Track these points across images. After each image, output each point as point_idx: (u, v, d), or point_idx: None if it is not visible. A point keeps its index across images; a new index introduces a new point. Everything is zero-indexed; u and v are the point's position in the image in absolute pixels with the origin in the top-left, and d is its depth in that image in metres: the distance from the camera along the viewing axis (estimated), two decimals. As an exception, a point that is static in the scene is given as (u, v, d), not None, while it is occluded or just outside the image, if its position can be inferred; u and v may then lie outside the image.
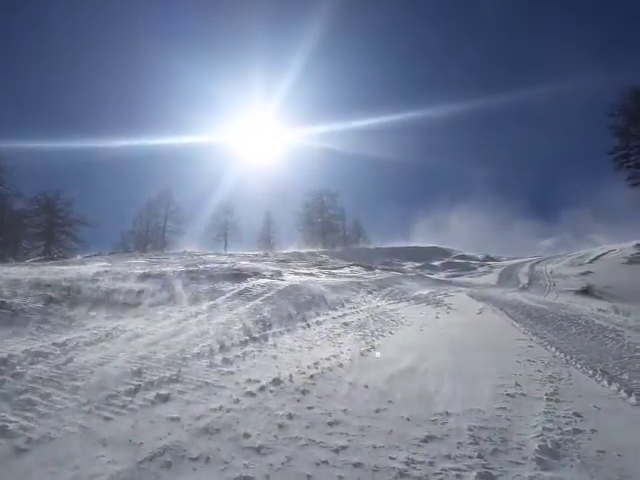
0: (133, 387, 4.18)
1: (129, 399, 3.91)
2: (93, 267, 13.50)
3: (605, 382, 5.20)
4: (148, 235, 49.00)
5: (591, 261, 24.99)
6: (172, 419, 3.54)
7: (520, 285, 22.09)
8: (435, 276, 28.30)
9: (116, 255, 23.12)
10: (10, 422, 3.29)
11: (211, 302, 8.91)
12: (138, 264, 14.83)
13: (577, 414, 4.08)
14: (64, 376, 4.40)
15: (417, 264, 39.11)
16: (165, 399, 3.96)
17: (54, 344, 5.44)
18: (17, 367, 4.47)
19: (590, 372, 5.66)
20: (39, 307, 7.20)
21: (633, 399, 4.56)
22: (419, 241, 52.26)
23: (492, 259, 45.13)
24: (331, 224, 58.17)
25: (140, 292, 9.13)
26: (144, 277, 10.75)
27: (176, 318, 7.46)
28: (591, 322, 10.61)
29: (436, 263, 40.78)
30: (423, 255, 44.38)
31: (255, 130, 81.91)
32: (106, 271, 11.36)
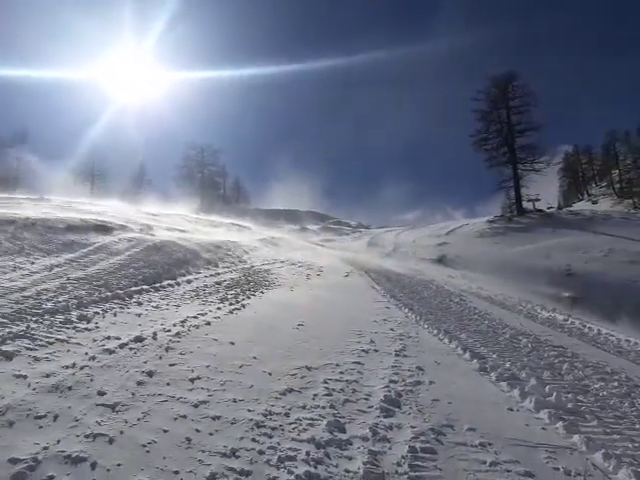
0: (-30, 344, 3.78)
1: (-35, 357, 3.54)
2: None
3: (446, 340, 5.97)
4: (-1, 174, 42.95)
5: (448, 233, 27.62)
6: (17, 376, 3.30)
7: (385, 252, 23.79)
8: (311, 239, 29.24)
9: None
10: None
11: (70, 255, 8.21)
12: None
13: (420, 368, 4.67)
14: None
15: (295, 227, 40.01)
16: (10, 356, 3.65)
17: None
18: None
19: (435, 331, 6.45)
20: None
21: (467, 355, 5.32)
22: (298, 205, 53.27)
23: (363, 227, 47.85)
24: (211, 181, 56.46)
25: (-17, 240, 8.07)
26: (-11, 223, 9.48)
27: (28, 271, 6.77)
28: (441, 287, 11.96)
29: (313, 227, 42.12)
30: (301, 218, 45.50)
31: (131, 70, 75.20)
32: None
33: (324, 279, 11.42)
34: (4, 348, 3.78)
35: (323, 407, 3.50)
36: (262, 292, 8.30)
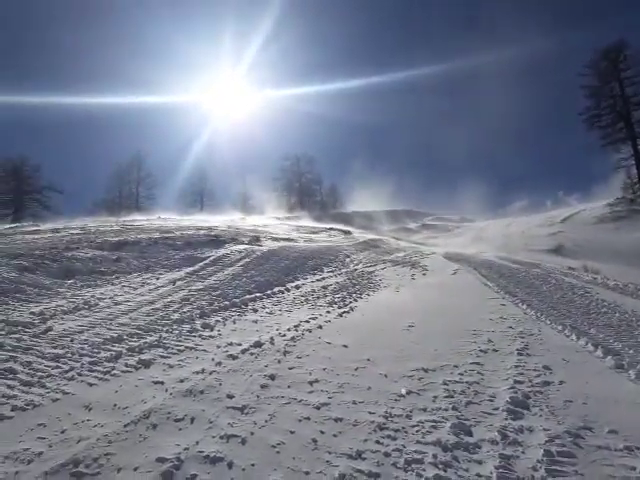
0: (114, 353, 4.22)
1: (111, 365, 3.95)
2: (66, 235, 13.22)
3: (574, 336, 5.47)
4: (121, 201, 48.22)
5: (562, 221, 25.60)
6: (155, 382, 3.61)
7: (493, 245, 22.59)
8: (412, 238, 28.72)
9: (88, 222, 22.61)
10: (-7, 391, 3.31)
11: (190, 268, 8.89)
12: (112, 231, 14.58)
13: (546, 367, 4.31)
14: (44, 344, 4.40)
15: (393, 227, 39.57)
16: (147, 364, 4.02)
17: (31, 313, 5.40)
18: (-5, 337, 4.44)
19: (559, 327, 5.94)
20: (12, 277, 7.08)
21: (600, 352, 4.83)
22: (394, 205, 52.53)
23: (467, 220, 45.86)
24: (308, 188, 58.02)
25: (116, 260, 9.04)
26: (119, 244, 10.61)
27: (154, 285, 7.45)
28: (561, 280, 11.02)
29: (412, 226, 41.31)
30: (399, 218, 44.86)
31: (227, 92, 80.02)
32: (80, 239, 11.16)
33: (430, 278, 11.11)
34: (142, 357, 4.17)
35: (445, 409, 3.37)
36: (368, 294, 8.28)
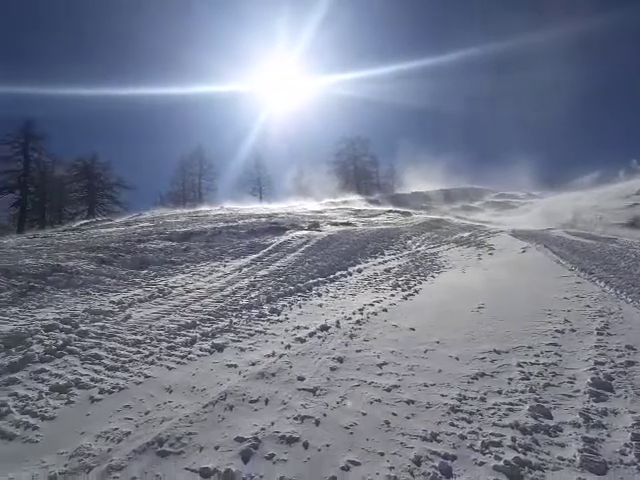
0: (189, 338, 4.40)
1: (187, 349, 4.13)
2: (138, 228, 13.95)
3: (658, 314, 5.08)
4: (185, 194, 50.13)
5: (638, 192, 23.71)
6: (229, 366, 3.73)
7: (564, 221, 21.38)
8: (475, 217, 27.76)
9: (156, 215, 23.72)
10: (82, 375, 3.55)
11: (254, 255, 9.11)
12: (179, 223, 15.20)
13: (630, 347, 4.02)
14: (125, 331, 4.67)
15: (455, 206, 38.41)
16: (221, 348, 4.16)
17: (111, 302, 5.74)
18: (81, 325, 4.76)
19: (642, 305, 5.53)
20: (92, 269, 7.56)
21: (689, 331, 4.45)
22: (454, 183, 50.79)
23: (533, 196, 43.64)
24: (364, 171, 57.47)
25: (185, 250, 9.41)
26: (187, 235, 11.05)
27: (222, 272, 7.69)
28: (641, 255, 10.24)
29: (475, 204, 39.88)
30: (461, 196, 43.45)
31: (281, 80, 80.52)
32: (151, 231, 11.72)
33: (497, 258, 10.68)
34: (215, 341, 4.32)
35: (522, 392, 3.23)
36: (433, 276, 8.09)
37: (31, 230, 25.29)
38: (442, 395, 3.18)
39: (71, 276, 6.99)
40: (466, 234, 14.75)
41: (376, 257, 10.02)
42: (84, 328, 4.64)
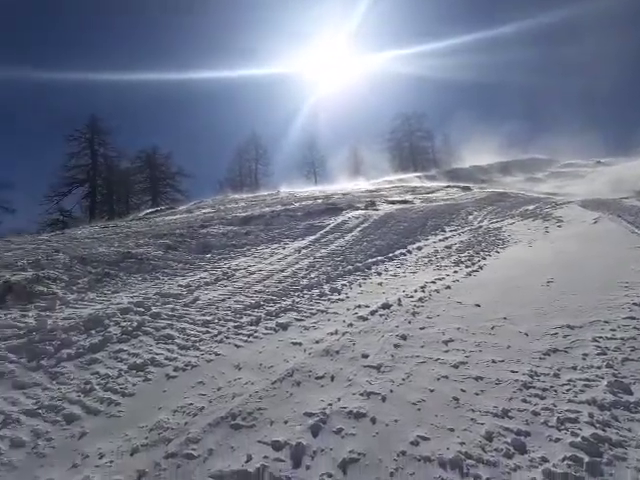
0: (255, 318, 4.52)
1: (253, 328, 4.25)
2: (200, 214, 14.44)
3: None
4: (242, 179, 51.32)
5: None
6: (294, 344, 3.81)
7: (638, 188, 19.84)
8: (539, 188, 26.39)
9: (216, 201, 24.43)
10: (157, 354, 3.75)
11: (312, 237, 9.18)
12: (239, 208, 15.58)
13: None
14: (194, 312, 4.87)
15: (517, 178, 36.70)
16: (285, 327, 4.25)
17: (179, 286, 6.00)
18: (153, 308, 5.02)
19: None
20: (159, 254, 7.91)
21: None
22: (515, 155, 48.29)
23: (602, 164, 40.78)
24: (420, 147, 56.19)
25: (246, 233, 9.64)
26: (247, 219, 11.30)
27: (282, 254, 7.82)
28: None
29: (538, 175, 37.91)
30: (522, 168, 41.38)
31: (332, 59, 79.60)
32: (212, 217, 12.09)
33: (566, 230, 10.13)
34: (279, 320, 4.42)
35: (598, 367, 3.07)
36: (497, 252, 7.80)
37: (101, 220, 26.86)
38: (512, 371, 3.09)
39: (141, 262, 7.36)
40: (531, 207, 14.07)
41: (436, 234, 9.80)
42: (156, 310, 4.89)
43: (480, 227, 10.64)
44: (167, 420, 2.66)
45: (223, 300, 5.31)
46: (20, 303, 5.38)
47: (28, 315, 4.93)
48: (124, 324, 4.47)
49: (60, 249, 8.26)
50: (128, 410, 2.87)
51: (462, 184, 24.12)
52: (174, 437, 2.47)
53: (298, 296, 5.31)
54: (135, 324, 4.44)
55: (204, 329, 4.32)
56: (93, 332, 4.31)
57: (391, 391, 2.88)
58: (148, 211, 25.77)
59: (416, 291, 5.32)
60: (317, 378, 3.13)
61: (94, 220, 33.01)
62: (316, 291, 5.48)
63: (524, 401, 2.69)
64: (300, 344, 3.79)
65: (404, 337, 3.84)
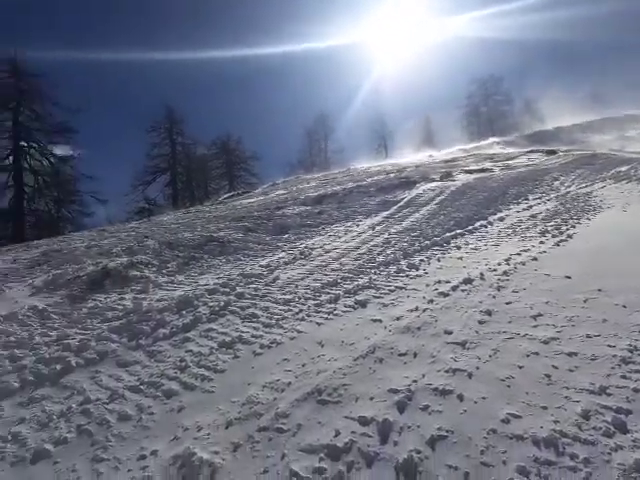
0: (333, 296, 4.58)
1: (332, 306, 4.31)
2: (274, 196, 14.78)
3: None
4: (312, 159, 51.75)
5: None
6: (374, 320, 3.82)
7: None
8: (634, 147, 24.03)
9: (289, 182, 24.84)
10: (244, 332, 3.93)
11: (385, 212, 9.08)
12: (311, 187, 15.74)
13: None
14: (275, 291, 5.03)
15: (607, 137, 33.62)
16: (364, 304, 4.27)
17: (260, 266, 6.21)
18: (237, 288, 5.24)
19: None
20: (240, 237, 8.23)
21: None
22: (603, 113, 44.02)
23: None
24: (498, 111, 53.08)
25: (320, 212, 9.74)
26: (319, 198, 11.40)
27: (356, 232, 7.82)
28: None
29: (631, 132, 34.45)
30: (613, 126, 37.80)
31: (397, 28, 76.85)
32: (286, 198, 12.33)
33: (668, 191, 9.19)
34: (358, 298, 4.44)
35: None
36: (588, 219, 7.25)
37: (183, 206, 28.39)
38: (609, 346, 2.89)
39: (223, 245, 7.71)
40: (624, 168, 12.86)
41: (519, 203, 9.29)
42: (240, 290, 5.11)
43: (567, 193, 9.93)
44: (257, 395, 2.79)
45: (302, 279, 5.43)
46: (117, 287, 5.86)
47: (125, 298, 5.37)
48: (212, 304, 4.73)
49: (149, 235, 8.87)
50: (220, 386, 3.05)
51: (546, 148, 22.54)
52: (264, 412, 2.59)
53: (375, 273, 5.30)
54: (222, 304, 4.67)
55: (286, 307, 4.46)
56: (184, 312, 4.60)
57: (477, 368, 2.80)
58: (226, 195, 26.79)
59: (500, 264, 5.09)
60: (399, 355, 3.12)
61: (176, 206, 34.99)
62: (393, 268, 5.42)
63: (624, 377, 2.51)
64: (380, 321, 3.79)
65: (489, 312, 3.70)
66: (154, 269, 6.58)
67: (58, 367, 3.55)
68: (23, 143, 32.73)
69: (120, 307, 4.99)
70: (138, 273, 6.26)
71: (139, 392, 3.09)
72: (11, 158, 32.09)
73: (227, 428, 2.49)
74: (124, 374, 3.41)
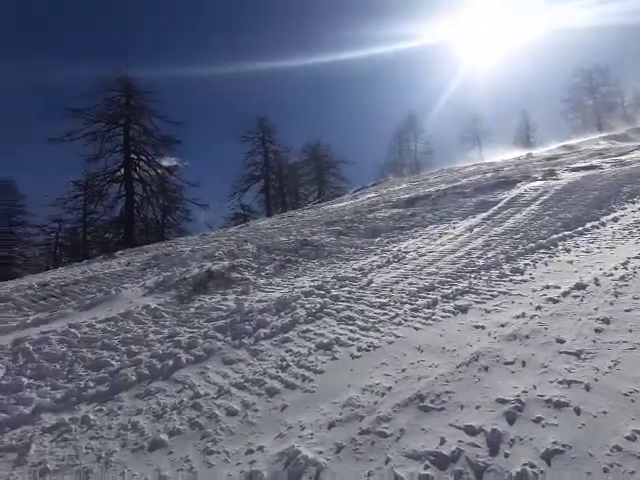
0: (430, 300, 4.45)
1: (430, 311, 4.19)
2: (364, 199, 14.78)
3: None
4: (402, 161, 51.15)
5: None
6: (476, 327, 3.64)
7: None
8: None
9: (379, 185, 24.70)
10: (340, 334, 3.94)
11: (483, 214, 8.67)
12: (402, 190, 15.51)
13: None
14: (370, 295, 5.01)
15: None
16: (464, 309, 4.09)
17: (353, 269, 6.23)
18: (332, 290, 5.30)
19: None
20: (332, 241, 8.32)
21: None
22: None
23: None
24: (606, 104, 48.63)
25: (412, 215, 9.56)
26: (411, 200, 11.19)
27: (452, 234, 7.56)
28: None
29: None
30: None
31: (489, 23, 73.57)
32: (377, 201, 12.26)
33: None
34: (457, 303, 4.27)
35: None
36: None
37: (276, 212, 29.41)
38: None
39: (317, 248, 7.84)
40: None
41: (635, 202, 8.40)
42: (335, 293, 5.15)
43: (697, 190, 8.81)
44: (357, 398, 2.78)
45: (396, 282, 5.35)
46: (220, 289, 6.19)
47: (228, 299, 5.64)
48: (308, 306, 4.82)
49: (248, 239, 9.28)
50: (321, 386, 3.08)
51: (666, 140, 20.21)
52: (366, 414, 2.57)
53: (475, 277, 5.06)
54: (318, 306, 4.75)
55: (381, 311, 4.41)
56: (282, 313, 4.74)
57: (596, 380, 2.56)
58: (317, 200, 27.34)
59: (616, 268, 4.63)
60: (506, 363, 2.94)
61: (269, 212, 36.33)
62: (495, 272, 5.14)
63: None
64: (483, 327, 3.60)
65: (606, 321, 3.38)
66: (253, 272, 6.87)
67: (170, 362, 3.81)
68: (133, 156, 36.19)
69: (224, 307, 5.26)
70: (239, 275, 6.58)
71: (244, 389, 3.22)
72: (122, 170, 35.55)
73: (329, 429, 2.50)
74: (229, 371, 3.58)
